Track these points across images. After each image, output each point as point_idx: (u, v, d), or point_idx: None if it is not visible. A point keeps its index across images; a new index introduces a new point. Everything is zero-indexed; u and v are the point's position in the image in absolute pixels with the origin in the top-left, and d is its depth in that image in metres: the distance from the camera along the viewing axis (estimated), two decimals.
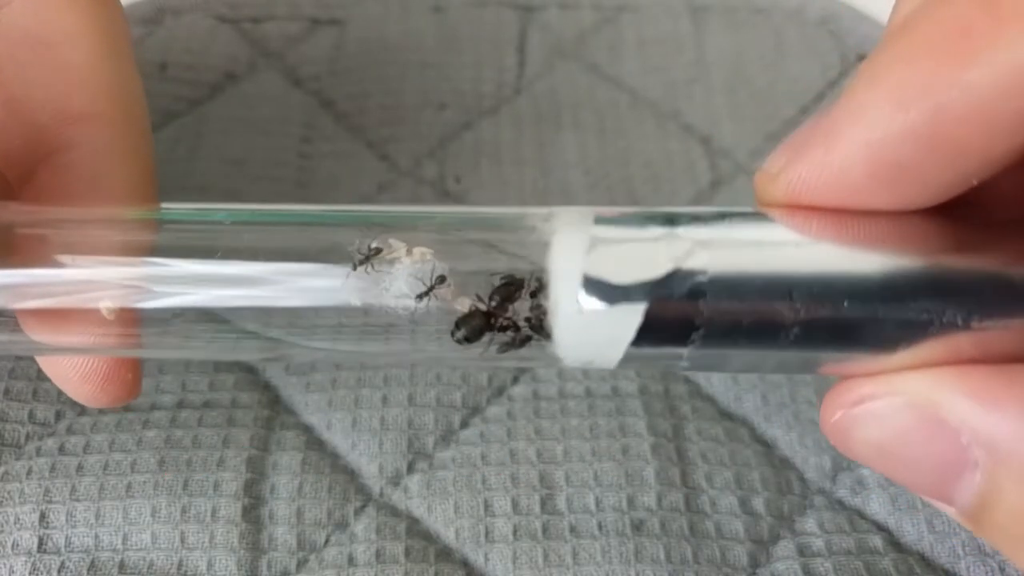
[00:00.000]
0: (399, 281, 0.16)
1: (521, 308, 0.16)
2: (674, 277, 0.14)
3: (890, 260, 0.14)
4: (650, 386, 0.26)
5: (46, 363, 0.21)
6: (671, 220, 0.15)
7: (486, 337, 0.16)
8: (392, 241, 0.16)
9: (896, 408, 0.14)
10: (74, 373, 0.20)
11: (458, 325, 0.16)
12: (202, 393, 0.26)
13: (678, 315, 0.14)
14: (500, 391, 0.26)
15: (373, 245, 0.16)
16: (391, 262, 0.16)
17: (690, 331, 0.14)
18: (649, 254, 0.14)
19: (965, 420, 0.13)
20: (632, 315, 0.14)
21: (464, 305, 0.16)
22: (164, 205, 0.18)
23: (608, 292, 0.14)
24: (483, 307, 0.16)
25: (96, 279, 0.16)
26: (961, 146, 0.13)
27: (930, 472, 0.14)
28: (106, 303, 0.16)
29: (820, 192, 0.15)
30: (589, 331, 0.15)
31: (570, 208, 0.16)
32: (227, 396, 0.26)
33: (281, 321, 0.16)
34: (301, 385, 0.26)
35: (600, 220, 0.15)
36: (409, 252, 0.16)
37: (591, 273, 0.14)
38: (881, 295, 0.14)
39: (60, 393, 0.25)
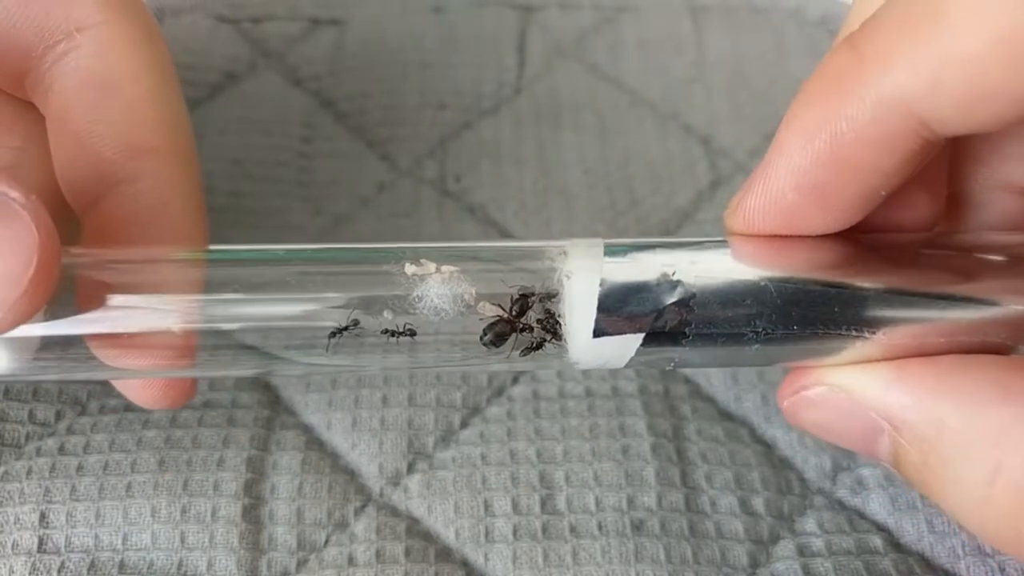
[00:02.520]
0: (429, 295, 0.18)
1: (535, 314, 0.18)
2: (668, 309, 0.18)
3: (814, 282, 0.18)
4: (650, 386, 0.26)
5: None
6: (666, 248, 0.18)
7: (509, 341, 0.18)
8: (423, 260, 0.18)
9: (822, 394, 0.19)
10: (138, 379, 0.21)
11: (485, 331, 0.18)
12: (202, 393, 0.26)
13: (670, 333, 0.18)
14: (500, 391, 0.26)
15: (352, 318, 0.18)
16: (423, 278, 0.18)
17: (678, 343, 0.18)
18: (649, 290, 0.18)
19: (870, 400, 0.18)
20: (635, 337, 0.18)
21: (488, 311, 0.18)
22: (213, 247, 0.20)
23: (616, 323, 0.18)
24: (505, 314, 0.18)
25: (157, 308, 0.19)
26: (857, 165, 0.17)
27: (856, 438, 0.19)
28: (174, 327, 0.18)
29: (768, 218, 0.18)
30: (601, 350, 0.18)
31: (581, 242, 0.19)
32: (227, 396, 0.26)
33: (296, 340, 0.19)
34: (301, 385, 0.26)
35: (609, 252, 0.18)
36: (438, 269, 0.18)
37: (603, 304, 0.18)
38: (804, 309, 0.18)
39: (60, 393, 0.25)
